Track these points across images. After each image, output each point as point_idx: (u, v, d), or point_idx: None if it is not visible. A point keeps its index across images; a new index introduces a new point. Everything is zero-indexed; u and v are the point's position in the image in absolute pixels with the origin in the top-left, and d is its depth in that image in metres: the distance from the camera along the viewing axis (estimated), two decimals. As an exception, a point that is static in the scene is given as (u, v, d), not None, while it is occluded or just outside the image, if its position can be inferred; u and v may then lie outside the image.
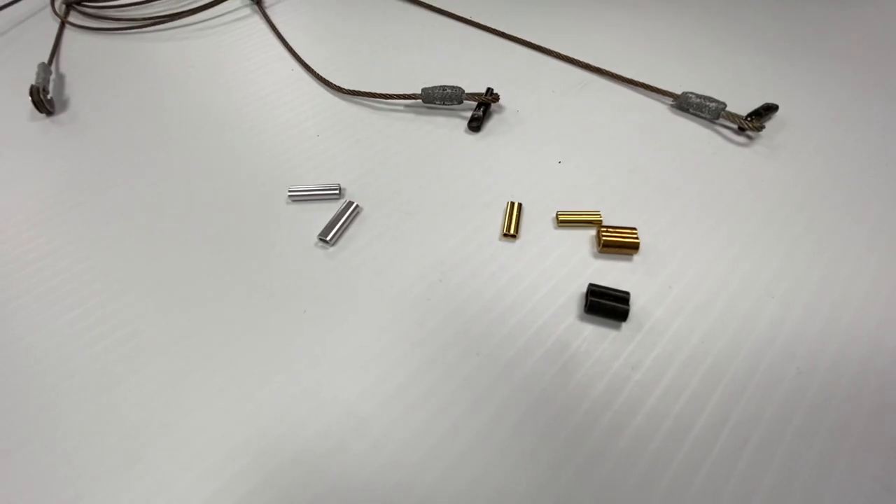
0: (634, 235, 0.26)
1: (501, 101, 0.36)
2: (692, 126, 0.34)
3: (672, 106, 0.36)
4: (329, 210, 0.29)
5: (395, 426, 0.21)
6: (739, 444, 0.20)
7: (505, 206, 0.29)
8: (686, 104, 0.34)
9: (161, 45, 0.44)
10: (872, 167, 0.31)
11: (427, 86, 0.35)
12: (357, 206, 0.29)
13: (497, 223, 0.28)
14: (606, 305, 0.23)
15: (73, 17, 0.49)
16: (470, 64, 0.40)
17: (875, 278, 0.25)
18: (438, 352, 0.23)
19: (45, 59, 0.42)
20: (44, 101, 0.36)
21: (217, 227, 0.29)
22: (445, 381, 0.22)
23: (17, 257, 0.28)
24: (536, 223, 0.28)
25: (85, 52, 0.44)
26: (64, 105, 0.38)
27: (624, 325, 0.24)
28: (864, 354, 0.23)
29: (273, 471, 0.20)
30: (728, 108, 0.33)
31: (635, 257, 0.26)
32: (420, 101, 0.35)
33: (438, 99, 0.35)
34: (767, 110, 0.33)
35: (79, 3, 0.49)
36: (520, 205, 0.29)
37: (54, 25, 0.47)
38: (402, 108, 0.37)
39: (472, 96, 0.35)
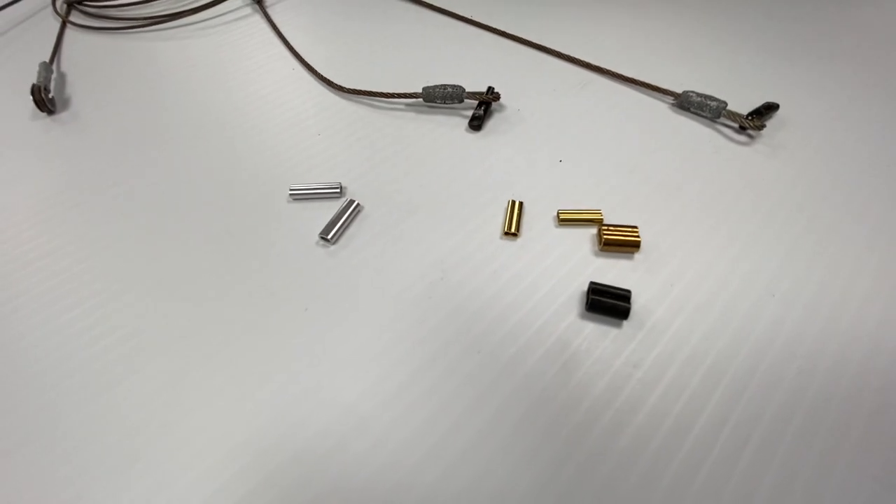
0: (635, 234, 0.26)
1: (502, 100, 0.36)
2: (693, 125, 0.34)
3: (673, 105, 0.36)
4: (330, 209, 0.29)
5: (396, 425, 0.21)
6: (740, 444, 0.20)
7: (506, 204, 0.29)
8: (687, 103, 0.34)
9: (162, 45, 0.44)
10: (873, 167, 0.31)
11: (428, 85, 0.35)
12: (358, 204, 0.29)
13: (498, 222, 0.28)
14: (607, 304, 0.23)
15: (75, 17, 0.49)
16: (471, 63, 0.40)
17: (875, 278, 0.25)
18: (439, 350, 0.23)
19: (47, 59, 0.42)
20: (45, 100, 0.36)
21: (218, 226, 0.29)
22: (446, 380, 0.22)
23: (17, 257, 0.28)
24: (537, 222, 0.28)
25: (86, 51, 0.44)
26: (65, 104, 0.38)
27: (625, 323, 0.24)
28: (864, 354, 0.23)
29: (273, 470, 0.20)
30: (729, 107, 0.33)
31: (636, 256, 0.26)
32: (421, 100, 0.35)
33: (439, 98, 0.35)
34: (768, 109, 0.33)
35: (80, 3, 0.49)
36: (521, 203, 0.29)
37: (55, 25, 0.47)
38: (403, 106, 0.37)
39: (472, 95, 0.35)
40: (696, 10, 0.46)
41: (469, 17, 0.45)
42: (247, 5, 0.49)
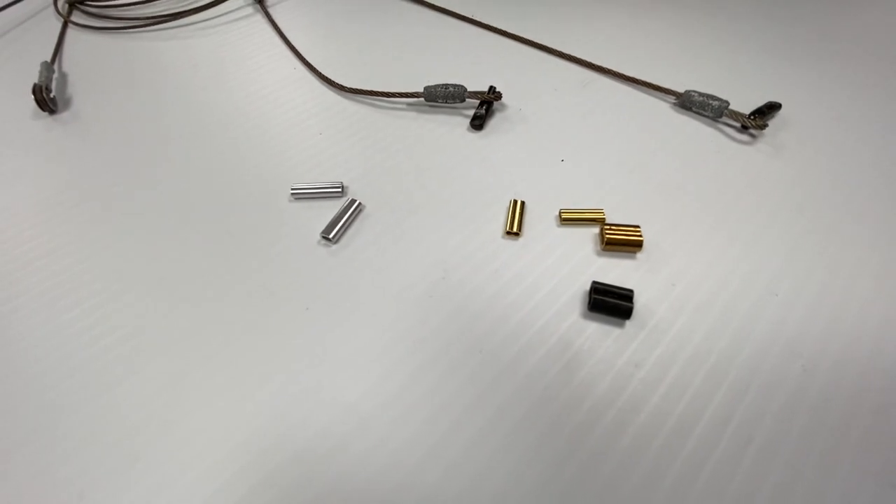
0: (638, 233, 0.26)
1: (504, 99, 0.36)
2: (695, 124, 0.34)
3: (674, 104, 0.36)
4: (331, 208, 0.29)
5: (397, 425, 0.21)
6: (743, 443, 0.20)
7: (507, 204, 0.29)
8: (689, 102, 0.34)
9: (163, 45, 0.44)
10: (875, 167, 0.30)
11: (429, 84, 0.35)
12: (359, 204, 0.29)
13: (500, 221, 0.28)
14: (610, 303, 0.23)
15: (76, 17, 0.49)
16: (472, 62, 0.40)
17: (877, 277, 0.25)
18: (441, 350, 0.23)
19: (48, 58, 0.42)
20: (46, 99, 0.36)
21: (219, 225, 0.29)
22: (448, 379, 0.22)
23: (17, 256, 0.28)
24: (539, 221, 0.28)
25: (87, 51, 0.44)
26: (66, 104, 0.38)
27: (627, 322, 0.24)
28: (866, 353, 0.22)
29: (273, 470, 0.20)
30: (731, 107, 0.33)
31: (638, 255, 0.26)
32: (422, 99, 0.35)
33: (441, 97, 0.35)
34: (770, 109, 0.33)
35: (81, 3, 0.49)
36: (522, 203, 0.28)
37: (57, 25, 0.47)
38: (404, 106, 0.37)
39: (474, 94, 0.35)
40: (698, 10, 0.46)
41: (470, 17, 0.45)
42: (248, 5, 0.49)
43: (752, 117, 0.32)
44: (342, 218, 0.28)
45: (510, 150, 0.33)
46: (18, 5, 0.50)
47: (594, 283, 0.24)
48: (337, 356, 0.23)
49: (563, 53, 0.40)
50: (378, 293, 0.25)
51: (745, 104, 0.34)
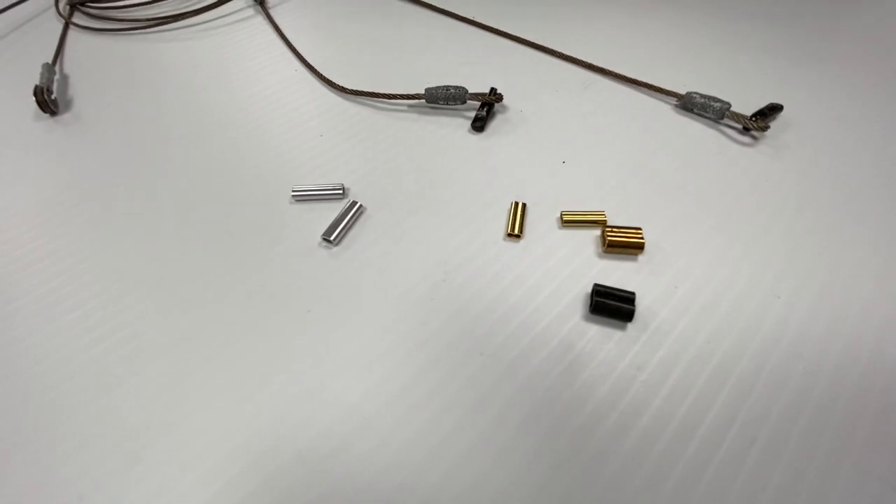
0: (640, 235, 0.26)
1: (505, 101, 0.36)
2: (696, 126, 0.34)
3: (676, 106, 0.36)
4: (332, 210, 0.29)
5: (399, 426, 0.21)
6: (746, 444, 0.20)
7: (509, 205, 0.29)
8: (690, 104, 0.34)
9: (165, 46, 0.44)
10: (876, 168, 0.30)
11: (430, 86, 0.35)
12: (360, 205, 0.29)
13: (501, 223, 0.28)
14: (611, 305, 0.23)
15: (77, 18, 0.49)
16: (473, 64, 0.40)
17: (879, 278, 0.25)
18: (442, 352, 0.23)
19: (50, 60, 0.42)
20: (48, 101, 0.36)
21: (220, 227, 0.29)
22: (449, 381, 0.22)
23: (18, 258, 0.28)
24: (540, 223, 0.28)
25: (89, 52, 0.44)
26: (67, 105, 0.38)
27: (629, 325, 0.24)
28: (869, 354, 0.22)
29: (275, 472, 0.20)
30: (732, 109, 0.33)
31: (640, 257, 0.26)
32: (423, 101, 0.35)
33: (442, 99, 0.35)
34: (772, 110, 0.33)
35: (83, 4, 0.49)
36: (524, 205, 0.28)
37: (58, 26, 0.47)
38: (405, 108, 0.37)
39: (475, 96, 0.34)
40: (699, 11, 0.46)
41: (471, 18, 0.45)
42: (249, 7, 0.49)
43: (753, 119, 0.32)
44: (343, 220, 0.28)
45: (511, 151, 0.33)
46: (20, 7, 0.50)
47: (596, 285, 0.24)
48: (339, 357, 0.23)
49: (563, 55, 0.40)
50: (379, 295, 0.25)
51: (746, 106, 0.34)
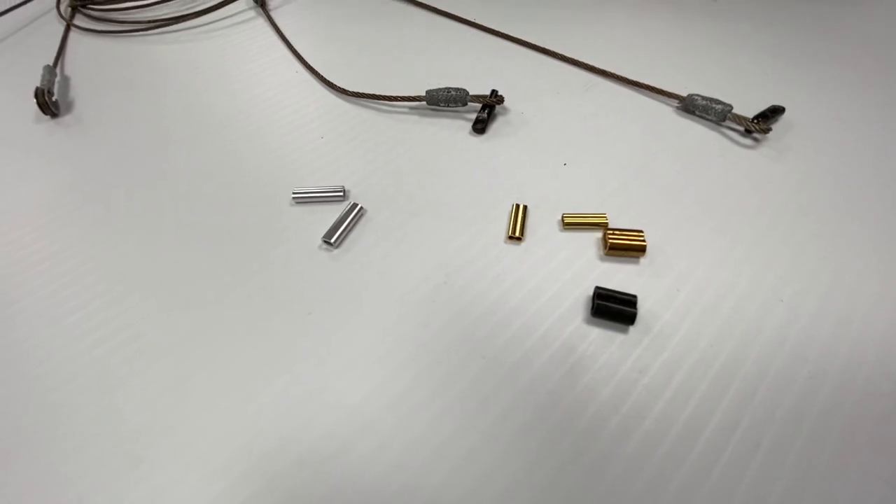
0: (641, 238, 0.26)
1: (506, 103, 0.36)
2: (698, 128, 0.34)
3: (678, 108, 0.36)
4: (333, 212, 0.29)
5: (400, 428, 0.21)
6: (751, 448, 0.20)
7: (510, 208, 0.29)
8: (692, 106, 0.34)
9: (166, 48, 0.44)
10: (879, 169, 0.30)
11: (431, 88, 0.35)
12: (361, 208, 0.29)
13: (502, 225, 0.28)
14: (613, 309, 0.23)
15: (79, 20, 0.49)
16: (474, 66, 0.40)
17: (883, 281, 0.25)
18: (443, 354, 0.23)
19: (51, 62, 0.42)
20: (49, 103, 0.36)
21: (221, 229, 0.29)
22: (450, 384, 0.22)
23: (20, 259, 0.28)
24: (542, 225, 0.28)
25: (90, 54, 0.44)
26: (69, 107, 0.38)
27: (631, 328, 0.24)
28: (873, 357, 0.22)
29: (277, 473, 0.20)
30: (734, 111, 0.33)
31: (642, 260, 0.26)
32: (424, 103, 0.35)
33: (443, 101, 0.35)
34: (774, 112, 0.33)
35: (84, 6, 0.49)
36: (525, 207, 0.28)
37: (60, 28, 0.48)
38: (406, 110, 0.37)
39: (476, 98, 0.34)
40: (700, 13, 0.46)
41: (472, 20, 0.45)
42: (250, 9, 0.49)
43: (755, 121, 0.32)
44: (344, 222, 0.28)
45: (512, 153, 0.33)
46: (21, 9, 0.50)
47: (597, 288, 0.24)
48: (340, 359, 0.23)
49: (564, 57, 0.40)
50: (380, 297, 0.25)
51: (747, 107, 0.34)
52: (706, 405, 0.21)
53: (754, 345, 0.23)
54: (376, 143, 0.34)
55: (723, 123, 0.34)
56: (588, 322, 0.24)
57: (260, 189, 0.31)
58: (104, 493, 0.20)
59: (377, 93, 0.37)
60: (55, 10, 0.50)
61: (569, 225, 0.28)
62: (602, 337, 0.23)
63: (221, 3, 0.48)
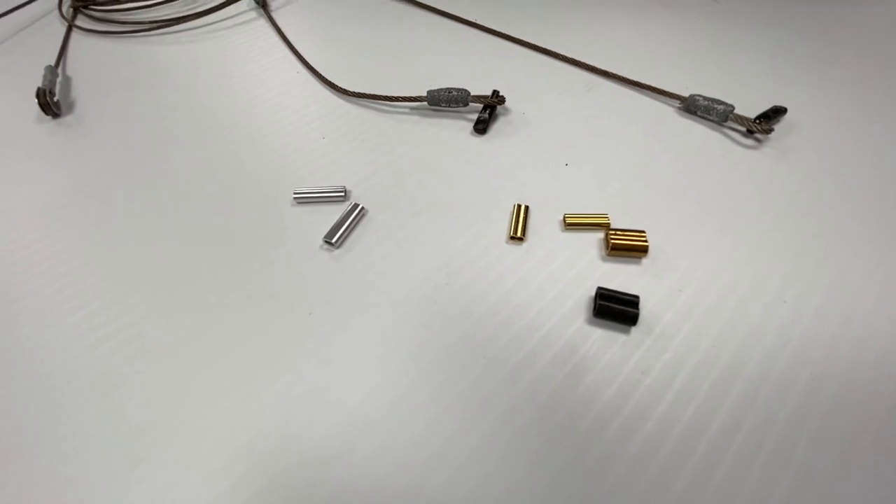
0: (643, 238, 0.26)
1: (507, 103, 0.36)
2: (700, 129, 0.34)
3: (679, 108, 0.36)
4: (334, 212, 0.29)
5: (402, 429, 0.21)
6: (754, 449, 0.20)
7: (511, 208, 0.29)
8: (693, 107, 0.34)
9: (167, 49, 0.44)
10: (882, 170, 0.30)
11: (432, 88, 0.35)
12: (362, 208, 0.29)
13: (503, 226, 0.28)
14: (615, 309, 0.23)
15: (80, 21, 0.49)
16: (475, 67, 0.40)
17: (885, 282, 0.25)
18: (444, 354, 0.23)
19: (52, 62, 0.42)
20: (50, 103, 0.36)
21: (222, 229, 0.29)
22: (452, 384, 0.22)
23: (22, 259, 0.28)
24: (543, 226, 0.28)
25: (91, 55, 0.44)
26: (70, 107, 0.38)
27: (633, 329, 0.23)
28: (876, 358, 0.22)
29: (279, 473, 0.20)
30: (736, 111, 0.33)
31: (644, 260, 0.26)
32: (426, 103, 0.35)
33: (444, 101, 0.35)
34: (776, 113, 0.33)
35: (86, 7, 0.49)
36: (526, 207, 0.28)
37: (61, 29, 0.48)
38: (407, 110, 0.37)
39: (477, 98, 0.34)
40: (702, 14, 0.46)
41: (474, 21, 0.45)
42: (252, 9, 0.50)
43: (757, 121, 0.32)
44: (345, 222, 0.28)
45: (514, 154, 0.32)
46: (23, 9, 0.50)
47: (599, 288, 0.24)
48: (342, 359, 0.23)
49: (566, 57, 0.40)
50: (381, 297, 0.25)
51: (749, 107, 0.34)
52: (709, 406, 0.21)
53: (757, 346, 0.23)
54: (377, 144, 0.34)
55: (724, 124, 0.34)
56: (590, 323, 0.24)
57: (261, 189, 0.31)
58: (104, 494, 0.20)
59: (378, 93, 0.37)
60: (57, 11, 0.50)
61: (570, 225, 0.28)
62: (604, 337, 0.23)
63: (223, 3, 0.48)
